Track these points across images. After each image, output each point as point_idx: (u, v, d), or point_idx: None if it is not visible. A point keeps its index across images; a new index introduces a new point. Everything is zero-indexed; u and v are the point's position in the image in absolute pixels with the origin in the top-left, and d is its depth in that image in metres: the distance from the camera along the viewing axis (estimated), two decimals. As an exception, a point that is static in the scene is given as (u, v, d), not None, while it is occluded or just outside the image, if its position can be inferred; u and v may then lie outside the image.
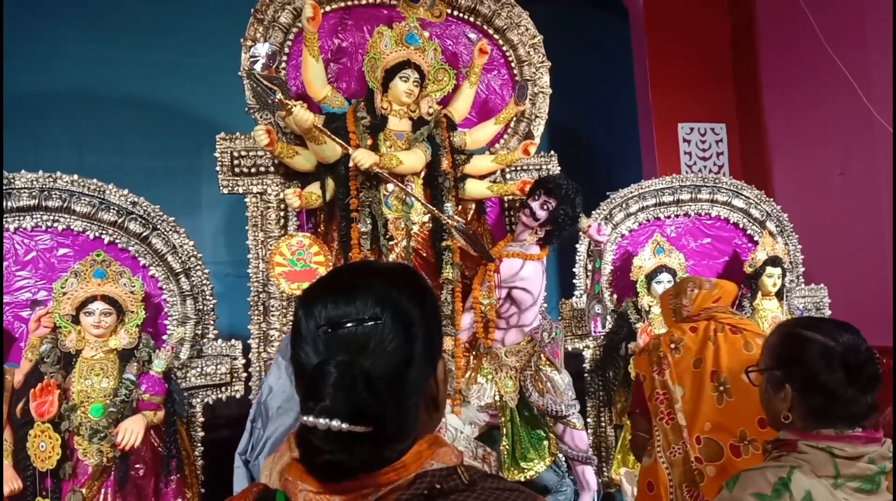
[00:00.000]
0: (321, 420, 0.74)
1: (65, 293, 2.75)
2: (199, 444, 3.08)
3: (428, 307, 0.85)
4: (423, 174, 3.24)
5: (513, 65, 3.68)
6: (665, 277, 3.61)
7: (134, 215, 3.02)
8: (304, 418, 0.76)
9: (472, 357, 3.41)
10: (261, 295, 3.23)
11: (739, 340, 2.15)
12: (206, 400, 3.13)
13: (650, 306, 3.59)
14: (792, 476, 1.25)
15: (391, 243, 3.13)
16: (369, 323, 0.78)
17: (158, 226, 3.07)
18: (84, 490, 2.65)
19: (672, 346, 2.17)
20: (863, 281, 4.10)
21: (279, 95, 2.71)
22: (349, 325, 0.78)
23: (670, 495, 1.97)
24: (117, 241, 3.02)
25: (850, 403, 1.31)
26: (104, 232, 3.00)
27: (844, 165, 4.56)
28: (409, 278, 0.88)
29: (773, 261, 3.69)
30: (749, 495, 1.25)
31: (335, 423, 0.73)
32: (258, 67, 2.70)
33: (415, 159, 3.13)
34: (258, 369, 3.21)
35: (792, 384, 1.37)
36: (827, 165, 4.67)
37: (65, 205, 2.93)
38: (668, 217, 3.98)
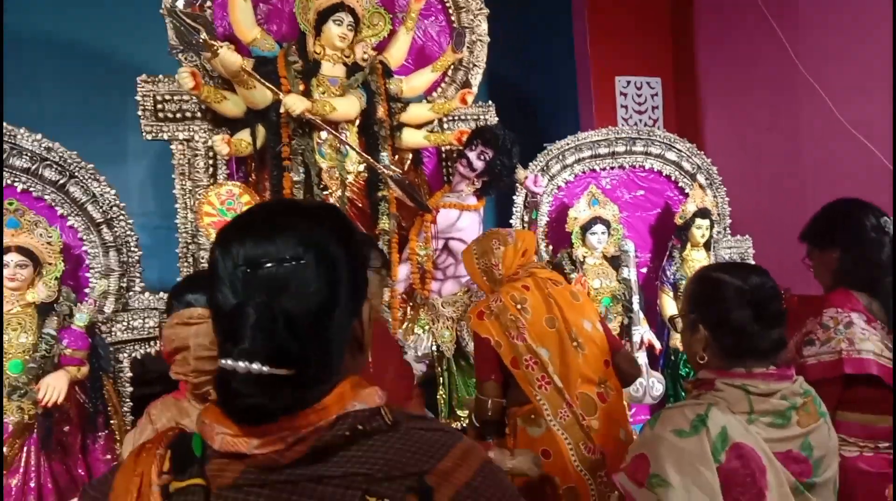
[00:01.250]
0: (240, 364, 0.72)
1: (-26, 245, 2.59)
2: (127, 399, 2.99)
3: (353, 248, 0.82)
4: (357, 122, 3.16)
5: (450, 11, 3.60)
6: (599, 228, 3.67)
7: (49, 162, 2.85)
8: (223, 362, 0.73)
9: (408, 308, 3.41)
10: (190, 246, 3.12)
11: (566, 291, 2.19)
12: (133, 355, 3.04)
13: (584, 257, 3.66)
14: (709, 413, 1.30)
15: (325, 192, 3.07)
16: (290, 263, 0.75)
17: (76, 173, 2.90)
18: (5, 449, 2.55)
19: (518, 306, 2.10)
20: (784, 233, 4.26)
21: (203, 35, 2.58)
22: (269, 265, 0.75)
23: (572, 455, 2.01)
24: (31, 189, 2.85)
25: (758, 338, 1.37)
26: (16, 180, 2.82)
27: (772, 121, 4.69)
28: (334, 217, 0.84)
29: (702, 213, 3.79)
30: (668, 432, 1.30)
31: (255, 366, 0.71)
32: (180, 4, 2.55)
33: (349, 106, 3.05)
34: (189, 322, 3.12)
35: (705, 324, 1.42)
36: (756, 121, 4.80)
37: (-29, 150, 2.74)
38: (604, 169, 4.03)
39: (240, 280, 0.75)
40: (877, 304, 1.83)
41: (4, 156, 2.77)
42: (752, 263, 3.72)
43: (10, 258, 2.59)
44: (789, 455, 1.31)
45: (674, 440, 1.28)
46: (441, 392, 3.37)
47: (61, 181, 2.88)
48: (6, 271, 2.59)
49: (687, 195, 4.00)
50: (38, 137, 2.83)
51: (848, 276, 1.89)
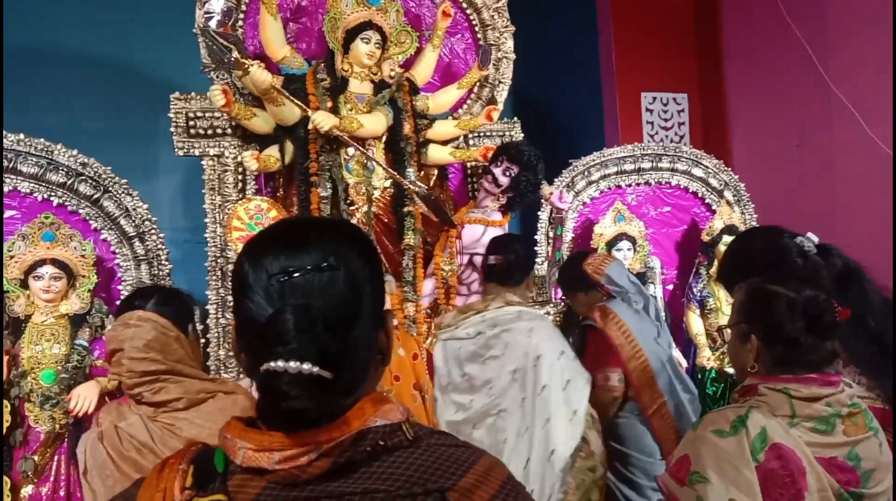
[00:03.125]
0: (292, 364, 0.72)
1: (12, 257, 2.66)
2: (155, 411, 3.03)
3: (375, 261, 0.85)
4: (384, 139, 3.19)
5: (476, 29, 3.62)
6: (625, 244, 3.64)
7: (84, 177, 2.92)
8: (271, 364, 0.73)
9: (433, 323, 3.41)
10: (218, 260, 3.17)
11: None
12: (162, 367, 3.08)
13: (610, 274, 3.63)
14: (749, 414, 1.32)
15: (352, 208, 3.10)
16: (326, 272, 0.77)
17: (110, 188, 2.97)
18: (36, 458, 2.61)
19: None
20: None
21: (235, 54, 2.63)
22: (307, 268, 0.77)
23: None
24: (67, 203, 2.92)
25: (811, 350, 1.38)
26: (53, 194, 2.90)
27: (801, 136, 4.63)
28: (355, 231, 0.88)
29: (730, 230, 3.75)
30: (710, 432, 1.33)
31: (306, 366, 0.72)
32: (213, 23, 2.61)
33: (376, 123, 3.08)
34: (216, 335, 3.17)
35: (757, 334, 1.43)
36: (784, 137, 4.75)
37: (11, 165, 2.82)
38: (630, 185, 4.01)
39: (275, 289, 0.76)
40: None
41: (41, 171, 2.85)
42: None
43: (46, 271, 2.66)
44: (833, 463, 1.31)
45: (714, 440, 1.31)
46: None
47: (96, 196, 2.95)
48: (41, 284, 2.66)
49: (714, 212, 3.96)
50: (75, 152, 2.91)
51: None
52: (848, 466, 1.32)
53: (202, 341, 3.13)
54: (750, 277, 1.67)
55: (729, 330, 1.56)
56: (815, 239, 1.77)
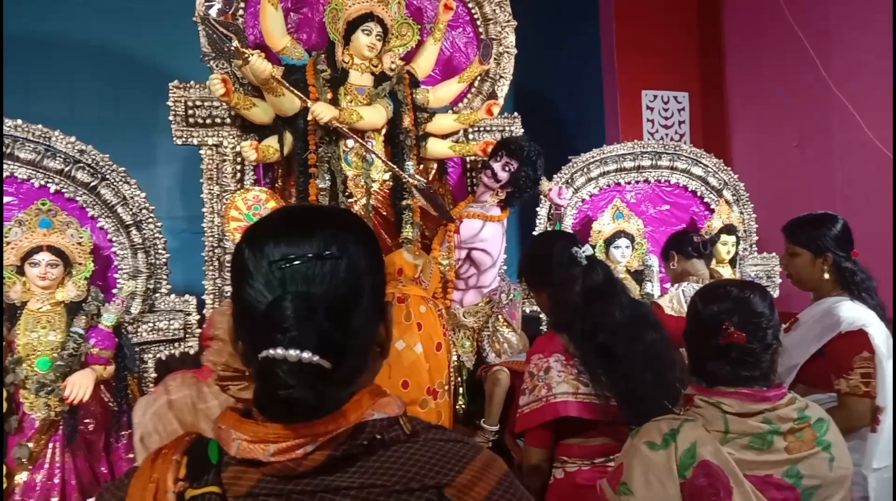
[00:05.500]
0: (291, 352, 0.70)
1: (8, 243, 2.65)
2: (150, 399, 3.03)
3: (376, 251, 0.84)
4: (384, 131, 3.18)
5: (478, 23, 3.61)
6: (623, 242, 3.64)
7: (81, 164, 2.91)
8: (270, 352, 0.71)
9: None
10: (215, 250, 3.16)
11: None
12: (158, 356, 3.08)
13: (607, 271, 3.63)
14: (681, 428, 1.33)
15: (350, 200, 3.09)
16: (328, 260, 0.76)
17: (108, 176, 2.96)
18: (31, 445, 2.60)
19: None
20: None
21: (235, 43, 2.62)
22: (308, 257, 0.75)
23: None
24: (64, 190, 2.91)
25: (753, 365, 1.38)
26: (50, 181, 2.88)
27: (801, 137, 4.64)
28: (356, 220, 0.87)
29: (728, 229, 3.75)
30: (643, 443, 1.35)
31: (306, 355, 0.70)
32: (213, 12, 2.59)
33: (376, 115, 3.07)
34: (212, 325, 3.16)
35: (692, 348, 1.47)
36: (784, 138, 4.75)
37: (8, 151, 2.80)
38: (629, 183, 4.01)
39: (276, 276, 0.75)
40: (573, 345, 1.85)
41: (38, 158, 2.84)
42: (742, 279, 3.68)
43: (42, 257, 2.65)
44: (768, 480, 1.29)
45: (645, 451, 1.33)
46: (461, 403, 3.36)
47: (93, 184, 2.94)
48: (37, 270, 2.65)
49: (712, 211, 3.96)
50: (72, 139, 2.89)
51: (552, 317, 1.96)
52: (786, 484, 1.29)
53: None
54: (531, 274, 2.07)
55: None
56: (590, 253, 2.00)
